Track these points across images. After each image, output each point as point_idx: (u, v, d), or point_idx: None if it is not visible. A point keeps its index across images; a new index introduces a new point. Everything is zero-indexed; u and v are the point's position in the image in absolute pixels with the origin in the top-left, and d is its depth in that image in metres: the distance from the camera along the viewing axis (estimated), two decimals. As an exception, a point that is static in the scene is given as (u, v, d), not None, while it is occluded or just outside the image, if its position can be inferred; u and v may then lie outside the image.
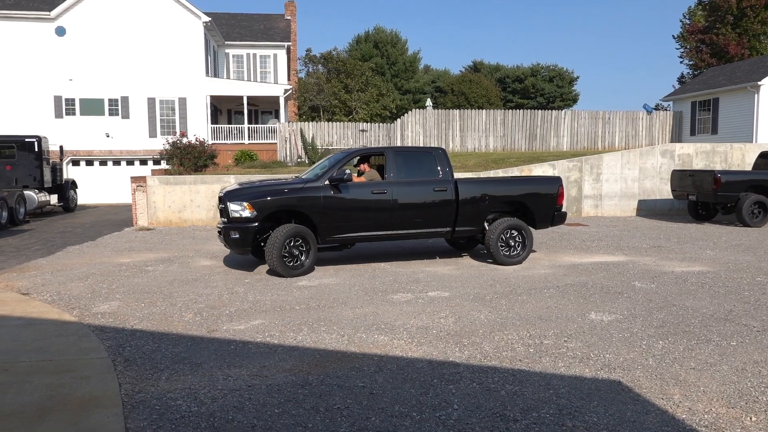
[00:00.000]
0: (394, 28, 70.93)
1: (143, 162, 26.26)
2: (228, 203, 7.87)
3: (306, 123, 24.46)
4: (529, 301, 6.36)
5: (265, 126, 27.70)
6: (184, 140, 19.03)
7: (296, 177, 9.34)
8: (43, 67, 25.35)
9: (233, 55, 30.99)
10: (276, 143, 24.87)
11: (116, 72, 25.77)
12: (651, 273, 7.88)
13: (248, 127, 27.32)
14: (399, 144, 23.45)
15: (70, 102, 25.75)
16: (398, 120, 24.22)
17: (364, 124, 24.68)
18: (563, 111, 25.60)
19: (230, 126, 28.34)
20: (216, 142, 26.16)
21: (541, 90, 50.34)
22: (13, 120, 24.85)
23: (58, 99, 25.58)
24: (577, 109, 38.33)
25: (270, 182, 8.68)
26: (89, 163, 26.18)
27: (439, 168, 8.72)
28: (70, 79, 25.53)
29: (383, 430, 3.28)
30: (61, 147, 21.69)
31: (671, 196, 15.53)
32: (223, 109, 31.22)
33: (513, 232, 8.66)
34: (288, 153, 23.44)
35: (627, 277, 7.60)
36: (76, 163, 25.99)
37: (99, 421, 3.37)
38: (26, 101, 25.12)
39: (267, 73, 31.17)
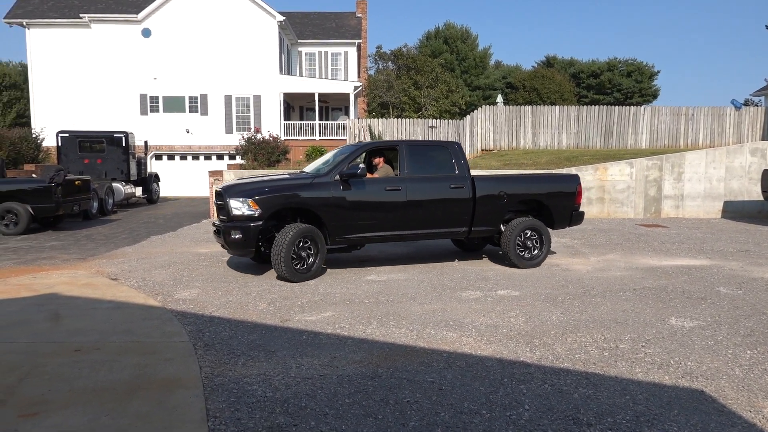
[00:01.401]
0: (464, 23, 70.16)
1: (220, 157, 27.39)
2: (229, 200, 7.15)
3: (375, 119, 24.66)
4: (603, 303, 6.15)
5: (335, 122, 28.17)
6: (259, 136, 19.69)
7: (300, 172, 8.67)
8: (130, 67, 26.91)
9: (306, 53, 31.70)
10: (345, 139, 25.27)
11: (196, 71, 26.98)
12: (738, 278, 7.42)
13: (319, 124, 27.89)
14: (468, 141, 23.22)
15: (154, 100, 27.21)
16: (467, 116, 23.96)
17: (433, 120, 24.60)
18: (642, 107, 24.46)
19: (302, 122, 29.03)
20: (288, 137, 26.87)
21: (618, 85, 48.34)
22: (103, 117, 26.55)
23: (143, 97, 27.10)
24: (657, 104, 36.52)
25: (273, 177, 7.98)
26: (170, 157, 27.58)
27: (455, 163, 8.17)
28: (155, 78, 26.96)
29: (453, 426, 3.28)
30: (145, 142, 22.97)
31: (761, 198, 14.52)
32: (295, 106, 32.01)
33: (530, 232, 8.21)
34: (357, 149, 23.72)
35: (711, 282, 7.19)
36: (158, 157, 27.45)
37: (182, 400, 3.56)
38: (115, 99, 26.77)
39: (338, 70, 31.67)
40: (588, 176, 15.62)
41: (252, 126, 26.15)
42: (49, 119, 26.51)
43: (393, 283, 7.17)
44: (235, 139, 25.47)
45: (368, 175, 8.07)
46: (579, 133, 23.81)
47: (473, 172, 8.95)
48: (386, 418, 3.37)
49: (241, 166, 18.73)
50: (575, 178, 8.88)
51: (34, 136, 22.54)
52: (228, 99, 27.36)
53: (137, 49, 26.96)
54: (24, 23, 27.38)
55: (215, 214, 8.24)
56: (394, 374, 4.06)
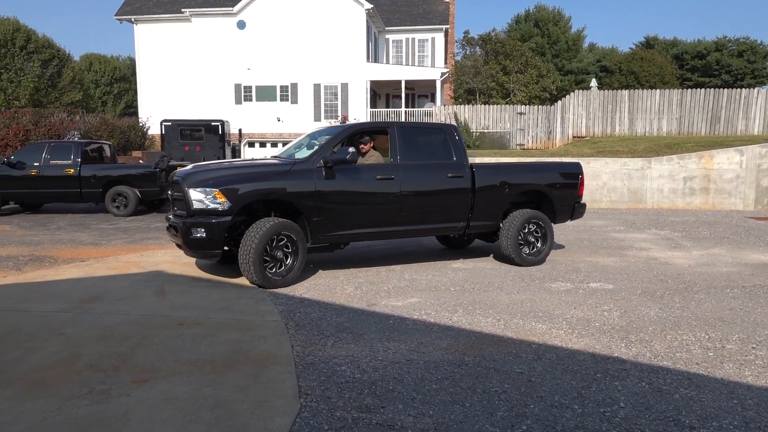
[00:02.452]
0: (557, 5, 67.36)
1: (308, 144, 28.13)
2: (189, 190, 6.01)
3: (461, 106, 24.34)
4: (707, 300, 5.75)
5: (421, 109, 28.09)
6: (346, 124, 20.06)
7: (273, 158, 7.47)
8: (226, 58, 28.18)
9: (393, 41, 31.75)
10: (431, 126, 25.14)
11: (287, 61, 27.80)
12: None
13: (405, 111, 27.92)
14: (559, 127, 22.37)
15: (248, 89, 28.37)
16: (559, 102, 23.09)
17: (522, 106, 23.93)
18: (755, 89, 22.44)
19: (388, 110, 29.20)
20: (374, 125, 27.12)
21: (726, 66, 44.69)
22: (201, 106, 28.04)
23: (237, 87, 28.32)
24: (772, 87, 33.40)
25: (243, 164, 6.86)
26: (262, 144, 28.71)
27: (452, 148, 7.30)
28: (248, 69, 28.08)
29: (543, 419, 3.20)
30: (240, 130, 24.05)
31: None
32: (381, 94, 32.24)
33: (533, 226, 7.48)
34: (443, 136, 23.55)
35: (835, 282, 6.52)
36: (251, 144, 28.66)
37: (275, 376, 3.72)
38: (212, 89, 28.17)
39: (424, 56, 31.49)
40: (692, 165, 14.61)
41: (339, 114, 26.65)
42: (154, 109, 28.36)
43: (479, 271, 7.08)
44: (323, 126, 26.09)
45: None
46: (681, 119, 22.26)
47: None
48: (473, 406, 3.35)
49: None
50: (578, 167, 8.13)
51: (140, 124, 24.22)
52: (317, 87, 28.01)
53: (232, 41, 28.17)
54: (132, 19, 29.37)
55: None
56: (481, 363, 4.02)
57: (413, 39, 31.55)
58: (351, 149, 6.43)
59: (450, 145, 7.32)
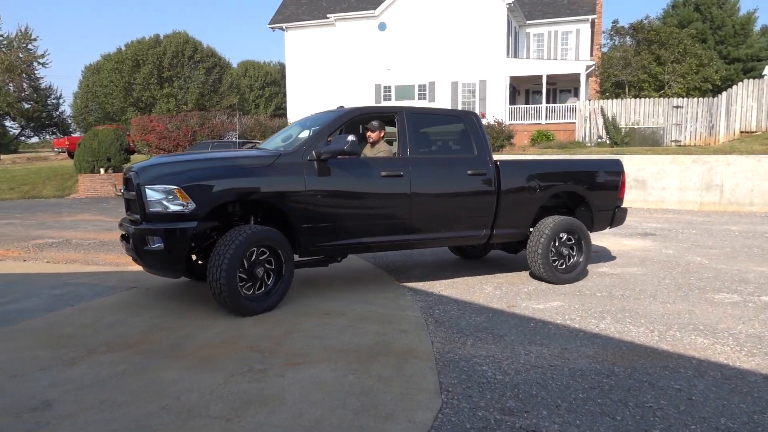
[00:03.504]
0: (722, -15, 60.59)
1: (444, 142, 28.22)
2: (144, 188, 4.79)
3: (608, 100, 22.90)
4: None
5: (563, 105, 26.91)
6: (483, 121, 19.81)
7: (254, 148, 6.46)
8: (367, 60, 29.17)
9: (533, 34, 30.75)
10: (574, 123, 23.98)
11: (425, 60, 28.10)
12: None
13: (546, 107, 26.92)
14: (723, 122, 20.19)
15: (387, 89, 29.14)
16: (723, 93, 20.82)
17: (679, 99, 21.94)
18: None
19: (527, 106, 28.35)
20: (513, 122, 26.51)
21: None
22: (342, 104, 29.33)
23: (377, 87, 29.20)
24: None
25: (213, 156, 5.54)
26: (399, 143, 29.34)
27: (472, 141, 6.12)
28: (388, 69, 28.83)
29: (706, 442, 2.91)
30: (378, 129, 24.79)
31: None
32: (520, 90, 31.37)
33: (567, 235, 6.34)
34: (587, 132, 22.37)
35: None
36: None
37: (416, 370, 3.79)
38: (353, 89, 29.33)
39: (567, 50, 30.10)
40: None
41: (477, 111, 26.38)
42: (300, 109, 30.23)
43: (628, 277, 6.62)
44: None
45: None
46: None
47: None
48: (625, 420, 3.14)
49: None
50: (618, 164, 6.97)
51: (288, 125, 25.96)
52: (454, 85, 27.99)
53: (373, 43, 29.09)
54: (283, 27, 31.53)
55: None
56: (633, 375, 3.76)
57: (556, 32, 30.30)
58: (350, 137, 5.15)
59: (470, 136, 6.13)
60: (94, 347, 4.25)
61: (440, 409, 3.23)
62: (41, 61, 35.96)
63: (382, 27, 28.89)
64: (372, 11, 28.98)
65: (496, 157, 6.52)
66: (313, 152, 5.22)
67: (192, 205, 4.75)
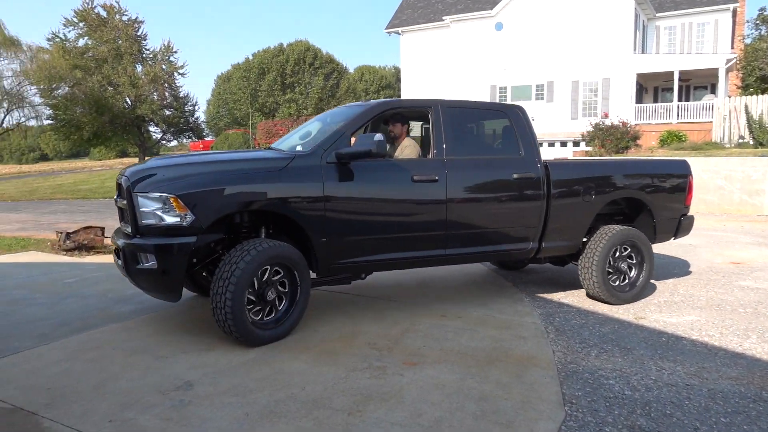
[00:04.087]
0: None
1: (563, 144, 27.14)
2: (135, 195, 4.16)
3: (752, 97, 20.74)
4: None
5: (698, 103, 24.80)
6: (607, 121, 18.77)
7: (267, 149, 5.64)
8: (482, 60, 28.80)
9: (664, 27, 28.63)
10: (710, 122, 22.01)
11: (542, 59, 27.20)
12: None
13: (677, 105, 24.97)
14: None
15: (503, 90, 28.58)
16: None
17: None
18: None
19: (656, 105, 26.46)
20: (639, 122, 24.87)
21: None
22: (458, 108, 29.19)
23: (493, 88, 28.73)
24: None
25: (218, 158, 4.89)
26: (514, 145, 28.65)
27: (518, 139, 5.33)
28: (504, 69, 28.26)
29: None
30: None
31: None
32: (648, 87, 29.36)
33: (626, 248, 5.58)
34: (726, 132, 20.43)
35: None
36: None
37: (537, 379, 3.67)
38: (467, 91, 29.09)
39: (703, 42, 27.69)
40: None
41: (599, 111, 25.08)
42: (415, 112, 30.50)
43: (778, 292, 5.95)
44: (580, 125, 24.86)
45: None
46: None
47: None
48: (778, 451, 2.82)
49: (586, 153, 18.20)
50: (684, 166, 6.10)
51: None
52: (574, 84, 26.81)
53: (489, 43, 28.65)
54: (399, 31, 32.02)
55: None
56: (787, 402, 3.37)
57: (690, 23, 27.98)
58: (378, 136, 4.47)
59: (516, 134, 5.35)
60: (225, 336, 4.57)
61: (563, 421, 3.11)
62: (181, 71, 39.43)
63: (498, 27, 28.39)
64: (488, 11, 28.57)
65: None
66: (334, 154, 4.52)
67: (191, 217, 4.06)
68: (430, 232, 4.90)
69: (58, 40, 36.97)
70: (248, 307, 4.17)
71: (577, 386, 3.58)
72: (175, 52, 40.49)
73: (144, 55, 38.89)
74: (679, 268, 7.21)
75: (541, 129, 27.44)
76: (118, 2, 39.14)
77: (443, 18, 30.10)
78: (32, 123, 38.43)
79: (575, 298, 5.74)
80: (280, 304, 4.40)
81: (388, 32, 32.81)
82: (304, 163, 4.46)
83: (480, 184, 5.10)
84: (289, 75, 49.97)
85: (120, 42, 37.05)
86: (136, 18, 38.83)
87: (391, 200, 4.74)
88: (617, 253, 5.57)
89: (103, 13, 37.32)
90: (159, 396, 3.43)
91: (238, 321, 4.06)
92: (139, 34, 38.43)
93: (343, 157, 4.50)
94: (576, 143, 25.64)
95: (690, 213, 6.25)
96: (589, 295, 5.70)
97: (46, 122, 38.00)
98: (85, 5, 36.96)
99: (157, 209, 4.09)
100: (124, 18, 37.83)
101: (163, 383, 3.60)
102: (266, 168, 4.40)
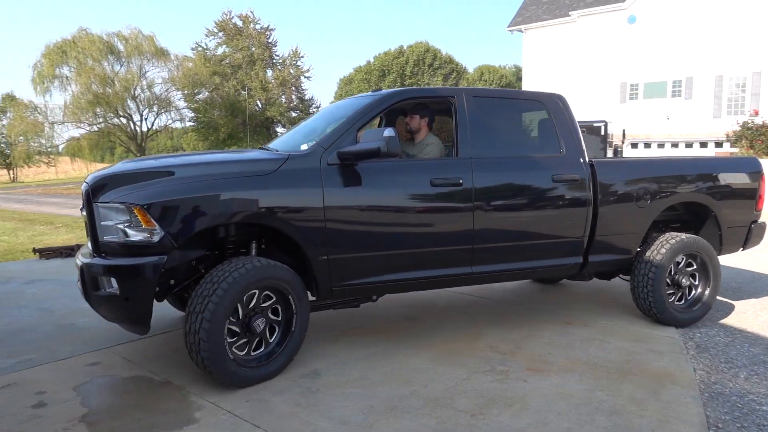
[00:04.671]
0: None
1: (703, 145, 24.88)
2: (97, 206, 3.46)
3: None
4: None
5: None
6: (757, 120, 16.94)
7: (262, 149, 4.67)
8: (612, 56, 27.18)
9: (831, 13, 25.20)
10: None
11: (680, 52, 25.11)
12: None
13: None
14: None
15: (634, 87, 26.79)
16: None
17: None
18: None
19: (817, 101, 23.38)
20: (796, 121, 22.12)
21: None
22: (583, 107, 27.78)
23: (623, 85, 27.03)
24: None
25: (197, 160, 4.06)
26: (647, 145, 26.74)
27: (559, 134, 4.55)
28: (636, 65, 26.47)
29: None
30: (623, 131, 22.94)
31: None
32: (809, 81, 26.01)
33: (688, 260, 4.83)
34: None
35: None
36: (634, 145, 27.02)
37: (675, 397, 3.40)
38: (594, 89, 27.62)
39: None
40: None
41: (747, 108, 22.67)
42: (536, 112, 29.55)
43: None
44: (724, 124, 22.67)
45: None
46: None
47: None
48: None
49: (731, 155, 16.54)
50: (754, 164, 5.24)
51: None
52: (718, 79, 24.45)
53: (620, 37, 26.98)
54: (522, 29, 31.17)
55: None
56: None
57: None
58: (388, 131, 3.71)
59: (555, 128, 4.59)
60: (349, 329, 4.73)
61: (709, 446, 2.85)
62: (306, 75, 41.53)
63: (631, 19, 26.62)
64: (620, 4, 26.89)
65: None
66: (335, 153, 3.80)
67: (159, 233, 3.33)
68: (453, 247, 4.14)
69: (200, 49, 40.48)
70: (231, 340, 3.47)
71: (723, 409, 3.26)
72: (302, 56, 42.62)
73: (274, 61, 41.39)
74: None
75: (677, 129, 25.39)
76: (252, 12, 42.02)
77: (569, 13, 28.82)
78: (177, 125, 42.43)
79: (720, 313, 5.23)
80: (272, 336, 3.68)
81: (510, 30, 32.07)
82: (299, 166, 3.74)
83: (513, 188, 4.34)
84: (408, 76, 50.58)
85: (253, 49, 39.75)
86: (268, 26, 41.42)
87: (405, 209, 3.99)
88: (677, 266, 4.82)
89: (240, 23, 40.24)
90: (288, 382, 3.62)
91: (214, 355, 3.33)
92: (270, 41, 40.98)
93: (346, 157, 3.78)
94: (719, 144, 23.37)
95: (762, 219, 5.39)
96: (645, 313, 4.92)
97: (188, 124, 41.77)
98: (224, 16, 40.10)
99: (120, 223, 3.35)
100: (258, 27, 40.52)
101: (292, 370, 3.80)
102: (252, 172, 3.65)
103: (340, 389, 3.51)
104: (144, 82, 37.42)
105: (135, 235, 3.34)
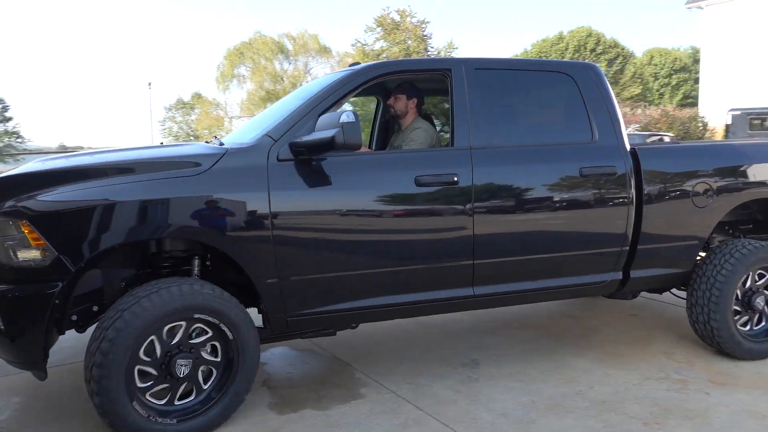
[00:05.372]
0: None
1: None
2: None
3: None
4: None
5: None
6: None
7: (205, 143, 3.77)
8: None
9: None
10: None
11: None
12: None
13: None
14: None
15: None
16: None
17: None
18: None
19: None
20: None
21: None
22: (777, 91, 24.29)
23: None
24: None
25: (103, 161, 3.13)
26: None
27: (590, 115, 3.47)
28: None
29: None
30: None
31: None
32: None
33: (764, 275, 3.66)
34: None
35: None
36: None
37: None
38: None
39: None
40: None
41: None
42: (715, 98, 26.42)
43: None
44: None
45: (364, 149, 3.63)
46: None
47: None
48: None
49: None
50: None
51: (701, 116, 23.09)
52: None
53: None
54: (702, 5, 28.01)
55: None
56: None
57: None
58: (345, 115, 2.84)
59: (585, 107, 3.53)
60: (508, 322, 4.67)
61: None
62: (459, 66, 41.55)
63: None
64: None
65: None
66: (287, 145, 2.97)
67: (52, 253, 2.60)
68: (447, 263, 3.25)
69: (359, 45, 42.28)
70: (144, 385, 2.71)
71: None
72: (456, 48, 42.59)
73: (429, 53, 41.88)
74: None
75: None
76: (409, 6, 42.87)
77: (763, -15, 25.26)
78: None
79: None
80: (207, 381, 2.86)
81: (689, 7, 28.99)
82: (238, 163, 2.93)
83: (525, 185, 3.36)
84: (567, 63, 48.13)
85: (409, 42, 40.57)
86: (423, 19, 41.93)
87: (381, 214, 3.13)
88: (751, 282, 3.77)
89: (397, 18, 41.29)
90: (448, 368, 3.69)
91: (114, 405, 2.58)
92: (425, 33, 41.50)
93: (299, 150, 2.95)
94: None
95: None
96: (702, 340, 3.91)
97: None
98: (383, 12, 41.41)
99: (7, 239, 2.62)
100: (414, 20, 41.25)
101: (451, 358, 3.85)
102: (175, 173, 2.82)
103: (498, 381, 3.48)
104: (309, 78, 40.14)
105: (23, 255, 2.61)
